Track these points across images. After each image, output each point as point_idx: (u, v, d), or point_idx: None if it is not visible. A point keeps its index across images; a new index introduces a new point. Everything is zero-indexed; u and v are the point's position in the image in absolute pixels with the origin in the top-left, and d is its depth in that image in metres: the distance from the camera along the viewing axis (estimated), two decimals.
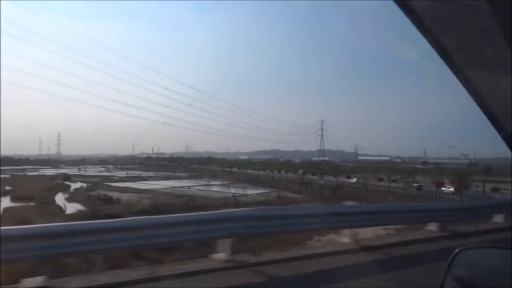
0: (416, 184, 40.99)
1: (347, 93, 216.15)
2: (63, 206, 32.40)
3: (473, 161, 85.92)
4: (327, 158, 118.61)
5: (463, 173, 38.84)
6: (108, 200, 35.97)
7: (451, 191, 37.26)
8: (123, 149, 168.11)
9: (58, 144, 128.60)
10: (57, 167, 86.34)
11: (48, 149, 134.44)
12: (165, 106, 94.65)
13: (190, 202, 35.14)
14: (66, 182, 52.14)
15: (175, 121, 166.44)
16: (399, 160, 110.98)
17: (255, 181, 61.11)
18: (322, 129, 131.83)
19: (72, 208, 32.32)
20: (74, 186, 50.26)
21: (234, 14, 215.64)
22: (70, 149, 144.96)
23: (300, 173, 61.27)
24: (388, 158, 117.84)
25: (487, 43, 1.33)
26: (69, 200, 38.24)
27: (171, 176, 71.03)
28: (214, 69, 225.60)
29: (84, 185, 49.57)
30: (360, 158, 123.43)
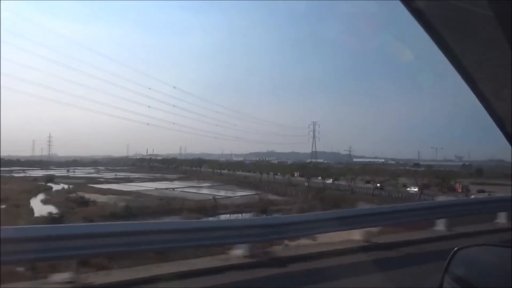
0: (378, 185, 42.03)
1: (343, 95, 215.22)
2: (33, 209, 31.72)
3: (467, 163, 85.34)
4: (323, 160, 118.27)
5: (446, 175, 38.23)
6: (84, 203, 35.41)
7: (415, 191, 37.69)
8: (118, 150, 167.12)
9: (49, 145, 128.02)
10: (47, 168, 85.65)
11: (41, 150, 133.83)
12: (149, 106, 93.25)
13: (167, 205, 34.65)
14: (49, 184, 51.48)
15: (165, 123, 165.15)
16: (393, 162, 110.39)
17: (243, 183, 60.52)
18: (314, 131, 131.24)
19: (44, 211, 31.65)
20: (56, 188, 49.60)
21: (229, 16, 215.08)
22: (65, 151, 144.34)
23: (296, 175, 60.64)
24: (383, 160, 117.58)
25: (495, 49, 1.35)
26: (44, 202, 37.59)
27: (159, 177, 70.33)
28: (208, 71, 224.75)
29: (66, 186, 48.87)
30: (355, 160, 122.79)
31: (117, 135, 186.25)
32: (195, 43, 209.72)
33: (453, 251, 1.80)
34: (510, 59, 1.26)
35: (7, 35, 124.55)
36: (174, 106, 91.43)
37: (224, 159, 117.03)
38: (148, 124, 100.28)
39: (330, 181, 51.07)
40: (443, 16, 1.34)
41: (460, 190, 38.49)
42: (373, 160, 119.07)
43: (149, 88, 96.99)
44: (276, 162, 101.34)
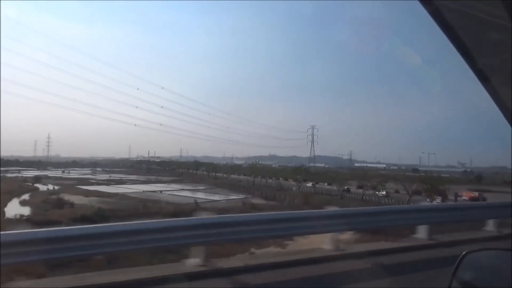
0: (346, 187, 43.79)
1: (346, 99, 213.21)
2: (5, 211, 31.10)
3: (468, 170, 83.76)
4: (324, 165, 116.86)
5: (435, 181, 36.81)
6: (60, 205, 34.71)
7: (383, 194, 38.54)
8: (121, 151, 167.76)
9: (48, 146, 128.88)
10: (44, 169, 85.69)
11: (43, 151, 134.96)
12: (136, 107, 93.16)
13: (143, 208, 33.82)
14: (36, 185, 51.07)
15: (152, 124, 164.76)
16: (395, 168, 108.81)
17: (235, 187, 59.68)
18: (312, 135, 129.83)
19: (17, 212, 31.22)
20: (42, 188, 49.16)
21: (231, 17, 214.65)
22: (69, 151, 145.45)
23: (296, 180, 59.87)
24: (384, 165, 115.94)
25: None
26: (23, 203, 37.12)
27: (153, 180, 69.76)
28: (209, 75, 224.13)
29: (52, 187, 48.41)
30: (356, 165, 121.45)
31: (120, 137, 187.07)
32: (197, 47, 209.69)
33: (461, 255, 1.79)
34: None
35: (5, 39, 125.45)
36: (162, 107, 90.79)
37: (225, 162, 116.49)
38: (135, 125, 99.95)
39: (309, 184, 50.61)
40: (460, 18, 1.32)
41: (471, 197, 36.81)
42: (375, 165, 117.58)
43: (137, 89, 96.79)
44: (277, 166, 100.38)
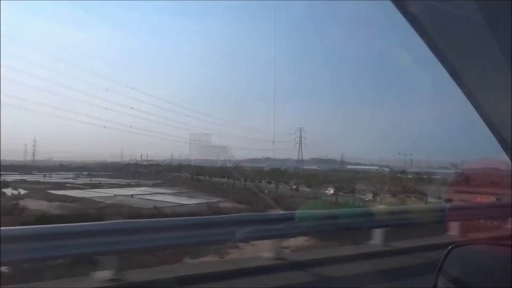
0: (294, 186, 45.34)
1: (338, 101, 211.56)
2: None
3: (459, 171, 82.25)
4: (317, 167, 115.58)
5: (407, 182, 35.30)
6: (9, 211, 33.21)
7: (331, 193, 39.37)
8: (116, 155, 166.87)
9: (34, 149, 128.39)
10: (29, 173, 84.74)
11: (33, 155, 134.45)
12: (106, 108, 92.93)
13: (95, 213, 32.34)
14: (4, 190, 49.66)
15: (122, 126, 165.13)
16: (388, 169, 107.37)
17: (213, 190, 58.36)
18: (300, 137, 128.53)
19: None
20: (9, 193, 47.89)
21: (224, 20, 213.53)
22: (61, 155, 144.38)
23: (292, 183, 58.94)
24: (377, 167, 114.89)
25: (491, 58, 1.29)
26: None
27: (132, 184, 68.47)
28: (193, 78, 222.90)
29: (17, 192, 47.20)
30: (349, 167, 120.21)
31: (115, 140, 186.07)
32: (185, 50, 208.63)
33: (447, 249, 1.73)
34: (508, 70, 1.22)
35: None
36: (131, 108, 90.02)
37: (219, 165, 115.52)
38: (104, 127, 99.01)
39: (294, 187, 49.47)
40: (437, 22, 1.27)
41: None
42: (368, 167, 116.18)
43: (107, 89, 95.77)
44: (269, 168, 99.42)
